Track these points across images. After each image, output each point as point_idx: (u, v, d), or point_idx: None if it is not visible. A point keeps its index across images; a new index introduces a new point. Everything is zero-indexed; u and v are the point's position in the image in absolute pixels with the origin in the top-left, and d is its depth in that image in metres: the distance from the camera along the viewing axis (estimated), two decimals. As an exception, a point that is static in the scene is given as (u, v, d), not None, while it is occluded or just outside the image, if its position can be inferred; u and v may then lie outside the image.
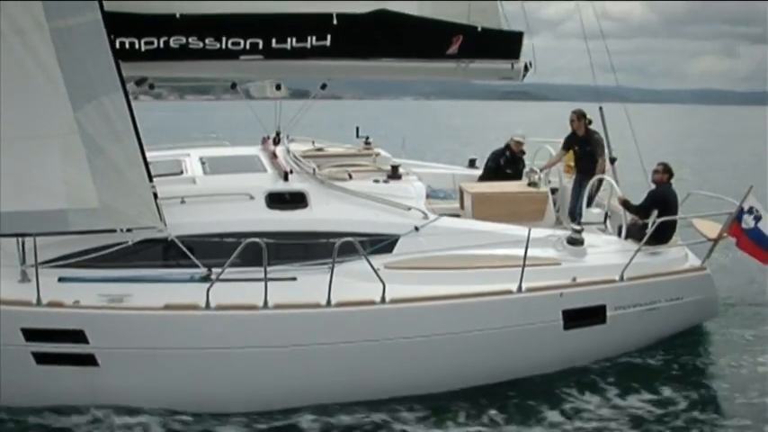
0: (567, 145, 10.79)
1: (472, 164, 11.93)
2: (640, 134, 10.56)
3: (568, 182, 10.90)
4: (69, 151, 7.08)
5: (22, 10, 6.76)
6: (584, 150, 10.53)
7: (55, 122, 7.02)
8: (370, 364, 7.75)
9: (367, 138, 10.33)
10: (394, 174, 8.91)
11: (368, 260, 7.46)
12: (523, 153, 11.21)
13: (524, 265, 8.01)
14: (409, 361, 7.85)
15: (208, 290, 7.19)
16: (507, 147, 11.08)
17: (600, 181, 10.03)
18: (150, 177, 7.30)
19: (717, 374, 8.99)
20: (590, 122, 10.61)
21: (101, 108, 7.06)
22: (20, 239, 7.50)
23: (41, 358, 7.24)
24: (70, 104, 6.99)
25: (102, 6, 6.87)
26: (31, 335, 7.16)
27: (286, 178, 8.41)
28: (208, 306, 7.22)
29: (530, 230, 8.15)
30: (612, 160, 10.46)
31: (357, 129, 10.36)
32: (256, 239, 7.16)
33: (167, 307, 7.24)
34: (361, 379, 7.82)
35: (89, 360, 7.26)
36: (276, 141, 9.46)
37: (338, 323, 7.55)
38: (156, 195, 7.35)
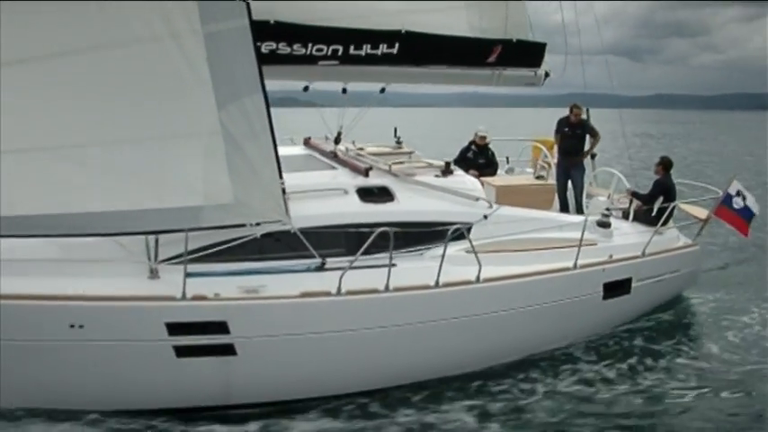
0: (558, 126, 11.97)
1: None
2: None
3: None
4: (211, 150, 7.16)
5: (180, 15, 6.83)
6: (575, 132, 11.76)
7: (200, 122, 7.10)
8: (470, 339, 8.42)
9: (398, 138, 10.91)
10: (447, 170, 9.60)
11: (472, 246, 8.16)
12: (487, 144, 12.10)
13: (580, 245, 9.04)
14: (496, 334, 8.60)
15: (341, 277, 7.56)
16: (472, 142, 11.99)
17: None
18: (280, 174, 7.54)
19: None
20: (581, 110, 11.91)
21: (242, 108, 7.20)
22: (148, 236, 7.52)
23: (182, 351, 7.28)
24: (215, 105, 7.09)
25: (249, 12, 7.08)
26: (175, 328, 7.18)
27: (367, 174, 8.87)
28: (339, 292, 7.62)
29: (586, 218, 9.23)
30: (593, 156, 11.82)
31: (395, 129, 10.90)
32: (386, 228, 7.65)
33: (303, 294, 7.54)
34: (463, 352, 8.47)
35: (228, 350, 7.40)
36: (337, 141, 9.85)
37: (447, 302, 8.16)
38: (284, 191, 7.59)
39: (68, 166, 6.82)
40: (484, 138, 11.69)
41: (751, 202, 10.17)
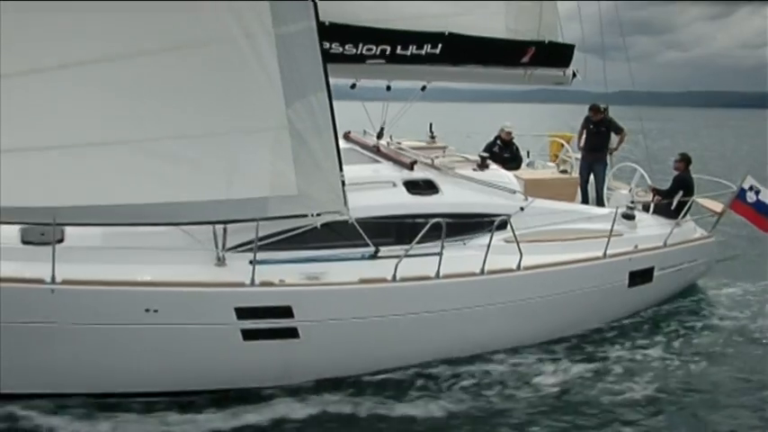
0: (585, 123, 12.37)
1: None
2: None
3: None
4: (278, 144, 7.48)
5: (253, 17, 7.14)
6: (599, 129, 12.18)
7: (269, 118, 7.41)
8: (510, 322, 8.85)
9: (432, 133, 11.29)
10: (483, 164, 9.99)
11: (515, 236, 8.58)
12: (512, 139, 12.57)
13: (610, 236, 9.49)
14: (533, 318, 9.04)
15: (396, 265, 7.95)
16: (498, 137, 12.43)
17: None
18: (341, 167, 7.87)
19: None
20: (605, 109, 12.36)
21: (308, 105, 7.52)
22: (216, 225, 7.85)
23: (249, 334, 7.63)
24: (284, 102, 7.41)
25: (317, 15, 7.40)
26: (243, 313, 7.52)
27: (412, 168, 9.24)
28: (395, 278, 8.00)
29: (617, 210, 9.68)
30: (610, 151, 12.28)
31: (430, 125, 11.28)
32: (439, 219, 8.05)
33: (362, 281, 7.92)
34: (503, 334, 8.90)
35: (291, 333, 7.76)
36: (380, 136, 10.21)
37: (491, 288, 8.59)
38: (343, 183, 7.92)
39: (146, 159, 7.11)
40: (509, 133, 12.14)
41: (764, 196, 10.62)
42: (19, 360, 7.18)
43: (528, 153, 12.89)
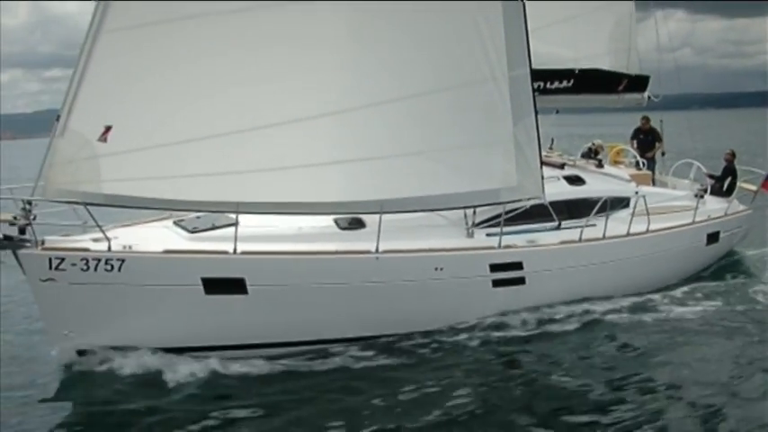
0: (634, 134, 16.12)
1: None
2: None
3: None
4: (507, 151, 10.50)
5: (498, 65, 10.28)
6: (647, 139, 15.90)
7: (503, 134, 10.47)
8: (645, 269, 12.18)
9: (551, 145, 14.68)
10: (599, 164, 13.45)
11: (647, 209, 11.85)
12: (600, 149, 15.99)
13: (696, 209, 13.03)
14: (657, 266, 12.38)
15: (581, 230, 11.24)
16: (589, 148, 15.77)
17: None
18: (542, 165, 11.08)
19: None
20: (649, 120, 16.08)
21: (524, 125, 10.55)
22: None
23: (496, 283, 10.64)
24: (512, 123, 10.57)
25: (530, 63, 10.63)
26: (494, 268, 10.58)
27: (563, 168, 12.59)
28: (580, 240, 11.29)
29: (697, 192, 13.25)
30: (662, 153, 15.94)
31: (552, 140, 14.67)
32: (606, 197, 11.38)
33: (561, 242, 11.18)
34: (641, 279, 12.17)
35: (520, 281, 10.88)
36: None
37: (634, 246, 11.93)
38: (542, 176, 11.13)
39: (428, 164, 10.10)
40: (601, 146, 15.64)
41: None
42: (357, 311, 10.00)
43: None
